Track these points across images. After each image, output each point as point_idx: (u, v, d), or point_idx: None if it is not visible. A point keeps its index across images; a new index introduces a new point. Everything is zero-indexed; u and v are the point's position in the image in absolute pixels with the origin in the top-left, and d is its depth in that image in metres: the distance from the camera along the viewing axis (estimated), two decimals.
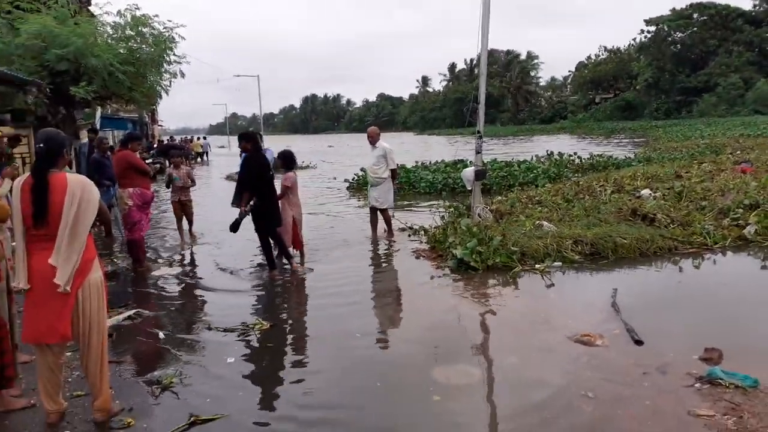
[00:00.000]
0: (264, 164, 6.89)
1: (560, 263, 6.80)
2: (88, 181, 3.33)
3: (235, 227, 6.88)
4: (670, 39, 72.28)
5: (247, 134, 7.28)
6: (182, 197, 9.16)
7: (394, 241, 8.61)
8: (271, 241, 7.12)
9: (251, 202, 6.77)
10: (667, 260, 6.97)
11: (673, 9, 71.62)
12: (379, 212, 8.95)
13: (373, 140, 8.78)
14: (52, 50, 13.14)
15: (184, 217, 9.30)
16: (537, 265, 6.70)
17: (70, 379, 4.15)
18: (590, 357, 4.26)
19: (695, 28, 70.17)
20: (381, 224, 9.09)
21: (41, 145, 3.27)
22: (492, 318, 5.34)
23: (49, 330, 3.23)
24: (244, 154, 7.23)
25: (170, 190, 9.33)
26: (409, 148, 40.35)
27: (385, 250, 8.14)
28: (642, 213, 8.20)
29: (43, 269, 3.19)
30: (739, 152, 18.33)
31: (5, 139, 9.67)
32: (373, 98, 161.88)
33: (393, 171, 8.76)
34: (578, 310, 5.38)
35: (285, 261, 7.28)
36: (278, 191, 7.17)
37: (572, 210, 8.90)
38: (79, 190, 3.22)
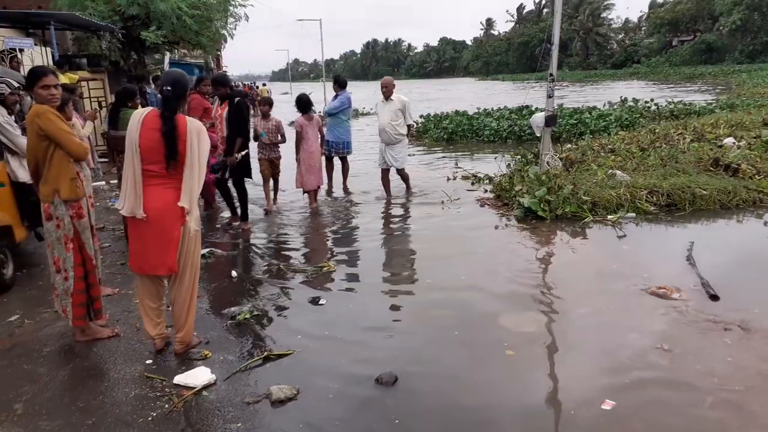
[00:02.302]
0: (246, 111, 6.67)
1: (634, 214, 6.53)
2: (200, 124, 3.45)
3: (220, 170, 6.67)
4: None
5: (223, 79, 7.04)
6: (271, 154, 7.60)
7: (411, 199, 8.07)
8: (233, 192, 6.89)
9: (244, 151, 6.55)
10: (750, 214, 6.57)
11: None
12: (393, 171, 8.19)
13: (388, 92, 7.83)
14: None
15: (271, 178, 7.81)
16: (609, 216, 6.46)
17: (134, 312, 4.38)
18: (666, 310, 4.11)
19: None
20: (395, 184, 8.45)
21: (168, 88, 3.35)
22: (561, 267, 5.23)
23: (159, 262, 3.42)
24: (236, 99, 6.51)
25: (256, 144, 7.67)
26: (470, 95, 39.19)
27: (449, 198, 8.01)
28: (724, 163, 7.71)
29: (157, 204, 3.33)
30: None
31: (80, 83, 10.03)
32: (434, 43, 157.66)
33: (409, 126, 8.06)
34: (653, 263, 5.17)
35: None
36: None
37: (647, 159, 8.46)
38: (196, 132, 3.34)
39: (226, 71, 57.95)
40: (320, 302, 4.56)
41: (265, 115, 7.49)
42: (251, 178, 6.89)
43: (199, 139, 3.34)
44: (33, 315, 4.41)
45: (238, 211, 6.92)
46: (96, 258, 3.91)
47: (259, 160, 7.61)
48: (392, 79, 8.08)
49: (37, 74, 3.56)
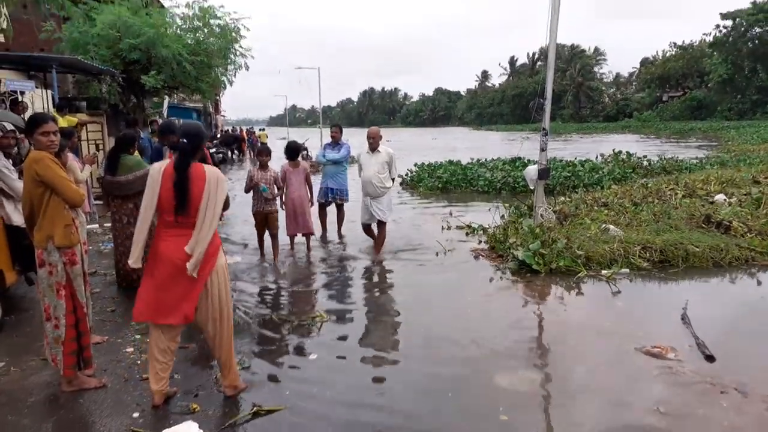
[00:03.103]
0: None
1: (627, 270, 6.54)
2: (219, 172, 3.49)
3: None
4: (748, 35, 68.29)
5: (170, 126, 6.35)
6: (267, 207, 7.21)
7: (381, 261, 7.44)
8: None
9: None
10: (743, 272, 6.59)
11: (754, 2, 67.52)
12: (373, 227, 7.82)
13: (375, 143, 7.44)
14: (125, 40, 13.67)
15: (266, 231, 7.45)
16: (603, 271, 6.47)
17: (138, 362, 4.30)
18: (662, 370, 4.07)
19: None
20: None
21: (185, 140, 3.39)
22: (556, 324, 5.20)
23: (173, 310, 3.39)
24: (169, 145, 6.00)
25: (251, 195, 7.31)
26: (464, 144, 39.77)
27: (443, 248, 8.01)
28: (716, 220, 7.79)
29: (174, 253, 3.35)
30: None
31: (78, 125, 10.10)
32: (430, 92, 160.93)
33: (393, 180, 7.65)
34: (647, 320, 5.16)
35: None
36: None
37: (640, 214, 8.55)
38: (214, 181, 3.38)
39: (224, 116, 58.81)
40: (311, 356, 4.48)
41: (264, 166, 7.19)
42: None
43: (217, 188, 3.38)
44: (19, 363, 4.31)
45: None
46: (87, 305, 3.86)
47: (254, 214, 7.31)
48: (379, 129, 7.76)
49: (37, 121, 3.60)
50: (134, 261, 3.43)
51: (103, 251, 7.83)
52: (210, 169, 3.41)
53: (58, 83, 12.77)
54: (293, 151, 7.77)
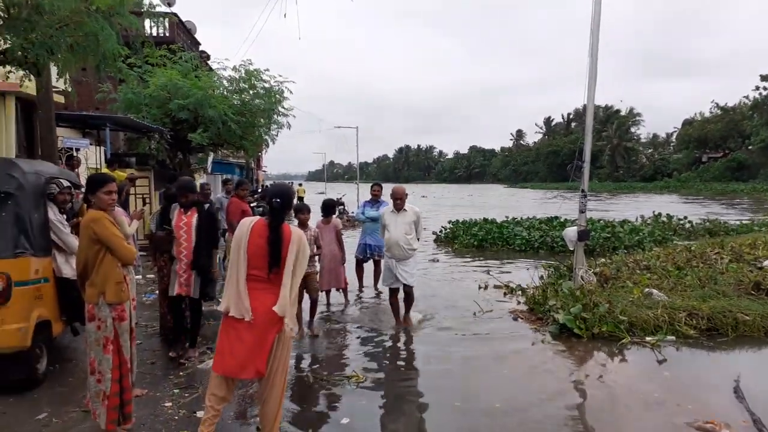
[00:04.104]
0: (217, 220, 6.14)
1: (673, 338, 6.31)
2: (302, 233, 3.70)
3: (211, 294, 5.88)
4: None
5: (189, 185, 5.77)
6: (307, 268, 7.38)
7: (413, 331, 6.96)
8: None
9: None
10: None
11: None
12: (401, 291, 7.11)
13: (401, 203, 6.91)
14: (175, 101, 14.32)
15: (306, 294, 6.87)
16: (648, 338, 6.26)
17: (176, 417, 4.30)
18: None
19: None
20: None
21: (278, 200, 3.60)
22: (601, 394, 4.99)
23: (248, 366, 3.50)
24: (206, 206, 5.88)
25: None
26: (499, 201, 39.69)
27: (480, 309, 7.88)
28: (766, 287, 7.51)
29: (257, 308, 3.49)
30: None
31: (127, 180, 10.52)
32: (464, 150, 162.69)
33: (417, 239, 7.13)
34: (697, 393, 4.94)
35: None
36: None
37: (684, 279, 8.30)
38: (298, 240, 3.58)
39: (265, 171, 60.37)
40: (342, 421, 4.39)
41: (304, 224, 6.64)
42: (214, 297, 6.00)
43: (300, 248, 3.56)
44: (61, 414, 4.36)
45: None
46: (133, 360, 3.94)
47: None
48: (405, 188, 7.17)
49: (101, 181, 3.79)
50: (225, 308, 3.56)
51: (145, 302, 7.98)
52: (296, 231, 3.62)
53: (111, 140, 13.41)
54: (329, 208, 7.94)
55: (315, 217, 7.77)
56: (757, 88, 69.86)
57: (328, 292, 8.00)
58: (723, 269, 8.93)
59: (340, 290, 8.15)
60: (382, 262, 7.47)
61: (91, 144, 12.45)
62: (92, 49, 6.86)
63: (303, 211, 6.78)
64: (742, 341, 6.28)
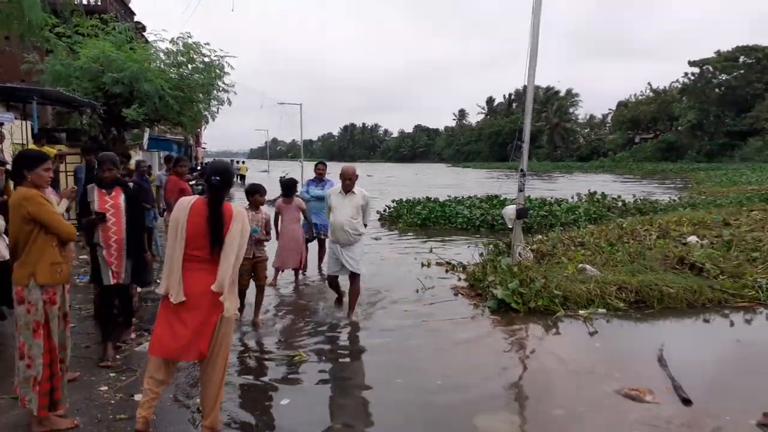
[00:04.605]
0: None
1: (604, 310, 6.63)
2: (243, 211, 3.62)
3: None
4: (715, 81, 71.15)
5: (113, 159, 5.03)
6: (256, 252, 6.20)
7: (355, 321, 6.47)
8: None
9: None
10: (716, 313, 6.72)
11: (718, 51, 70.64)
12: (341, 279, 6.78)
13: (351, 184, 6.42)
14: (108, 74, 13.70)
15: (252, 281, 6.29)
16: (581, 311, 6.55)
17: (113, 401, 4.20)
18: (640, 413, 4.10)
19: (741, 71, 68.97)
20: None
21: (217, 177, 3.49)
22: (536, 365, 5.22)
23: (188, 348, 3.43)
24: (131, 184, 5.54)
25: None
26: (444, 181, 40.22)
27: (422, 286, 8.02)
28: (689, 261, 7.97)
29: (197, 289, 3.41)
30: None
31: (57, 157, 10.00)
32: (409, 129, 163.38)
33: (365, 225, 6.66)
34: (624, 362, 5.22)
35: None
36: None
37: (616, 254, 8.70)
38: (240, 219, 3.50)
39: (205, 147, 58.72)
40: (282, 402, 4.37)
41: (257, 206, 6.29)
42: (151, 282, 5.90)
43: (242, 227, 3.49)
44: None
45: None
46: (67, 346, 3.80)
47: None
48: (355, 168, 6.67)
49: (39, 158, 3.61)
50: (164, 290, 3.47)
51: (78, 284, 7.68)
52: (237, 209, 3.54)
53: (38, 114, 12.70)
54: (290, 187, 7.87)
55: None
56: (686, 74, 73.35)
57: (278, 270, 7.99)
58: (651, 245, 9.41)
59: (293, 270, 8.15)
60: (327, 242, 7.26)
61: (16, 118, 11.72)
62: (16, 17, 6.45)
63: (260, 192, 6.36)
64: (666, 313, 6.66)
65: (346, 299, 6.91)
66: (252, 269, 6.20)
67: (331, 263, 6.64)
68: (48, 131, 13.22)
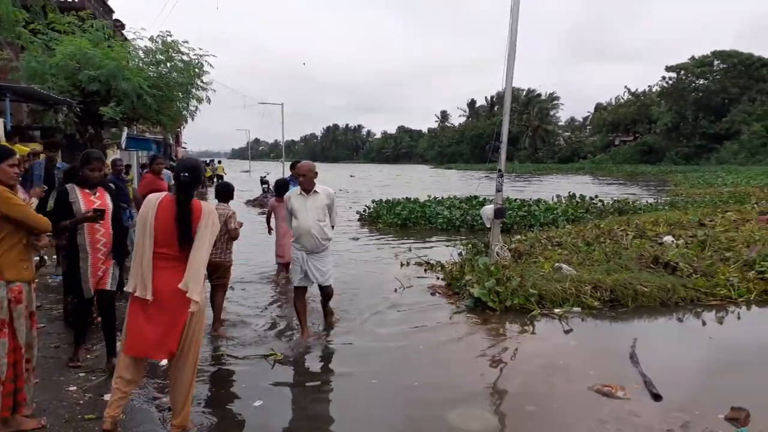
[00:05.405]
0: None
1: (579, 309, 6.69)
2: (213, 208, 3.58)
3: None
4: (692, 86, 72.44)
5: (97, 156, 4.75)
6: (222, 256, 5.86)
7: (329, 338, 5.89)
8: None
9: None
10: (689, 312, 6.82)
11: (692, 57, 72.01)
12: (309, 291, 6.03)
13: (308, 182, 5.58)
14: (85, 71, 13.51)
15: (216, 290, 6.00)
16: (556, 310, 6.60)
17: (81, 401, 4.13)
18: (611, 409, 4.14)
19: (717, 76, 70.30)
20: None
21: (186, 174, 3.44)
22: (510, 362, 5.24)
23: (158, 346, 3.38)
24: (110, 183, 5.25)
25: None
26: (423, 182, 40.35)
27: (401, 285, 8.02)
28: (664, 261, 8.07)
29: (166, 287, 3.35)
30: (764, 202, 18.04)
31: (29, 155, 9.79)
32: (392, 130, 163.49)
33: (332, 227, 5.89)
34: (597, 359, 5.27)
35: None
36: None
37: (592, 254, 8.79)
38: (209, 216, 3.45)
39: (185, 147, 58.12)
40: (255, 403, 4.30)
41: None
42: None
43: (212, 223, 3.45)
44: None
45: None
46: (33, 345, 3.72)
47: None
48: (313, 165, 5.80)
49: (3, 154, 3.52)
50: (133, 288, 3.41)
51: (50, 284, 7.54)
52: (206, 206, 3.50)
53: (12, 112, 12.47)
54: (283, 188, 8.03)
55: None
56: (664, 78, 74.59)
57: (286, 266, 8.03)
58: (627, 245, 9.52)
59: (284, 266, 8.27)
60: (291, 251, 6.07)
61: None
62: None
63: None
64: (640, 311, 6.74)
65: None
66: (215, 272, 5.83)
67: (294, 274, 5.81)
68: (21, 129, 12.98)
